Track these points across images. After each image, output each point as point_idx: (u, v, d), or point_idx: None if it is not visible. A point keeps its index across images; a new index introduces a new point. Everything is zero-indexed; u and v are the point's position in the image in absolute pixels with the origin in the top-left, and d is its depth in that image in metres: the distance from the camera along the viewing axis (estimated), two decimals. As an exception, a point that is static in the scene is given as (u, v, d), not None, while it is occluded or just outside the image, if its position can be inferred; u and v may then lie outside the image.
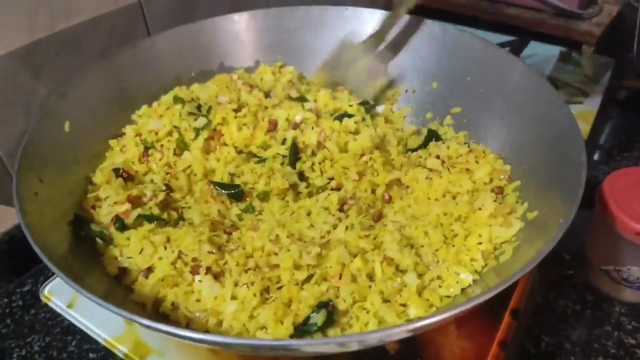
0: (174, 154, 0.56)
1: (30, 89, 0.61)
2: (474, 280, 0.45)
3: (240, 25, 0.68)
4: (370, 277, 0.44)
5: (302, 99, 0.61)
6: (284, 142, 0.57)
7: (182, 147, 0.57)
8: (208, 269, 0.45)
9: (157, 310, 0.44)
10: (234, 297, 0.43)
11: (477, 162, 0.54)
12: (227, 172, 0.56)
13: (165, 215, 0.51)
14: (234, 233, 0.50)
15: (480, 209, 0.49)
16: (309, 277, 0.44)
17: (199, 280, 0.44)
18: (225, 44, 0.67)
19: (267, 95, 0.62)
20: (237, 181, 0.55)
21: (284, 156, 0.56)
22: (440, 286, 0.45)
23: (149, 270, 0.46)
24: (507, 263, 0.44)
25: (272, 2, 0.87)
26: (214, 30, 0.67)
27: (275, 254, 0.46)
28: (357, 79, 0.66)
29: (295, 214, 0.53)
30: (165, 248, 0.47)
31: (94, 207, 0.51)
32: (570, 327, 0.53)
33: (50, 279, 0.53)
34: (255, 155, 0.57)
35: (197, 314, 0.43)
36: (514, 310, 0.48)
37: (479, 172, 0.53)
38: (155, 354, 0.46)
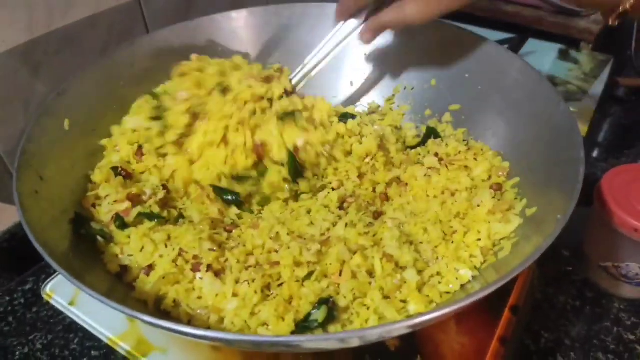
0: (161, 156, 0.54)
1: (29, 86, 0.61)
2: (473, 277, 0.45)
3: (239, 23, 0.67)
4: (370, 273, 0.45)
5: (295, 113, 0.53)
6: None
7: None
8: (209, 267, 0.45)
9: (158, 308, 0.44)
10: (235, 294, 0.43)
11: (475, 159, 0.55)
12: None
13: (165, 214, 0.51)
14: (234, 231, 0.50)
15: (479, 205, 0.49)
16: (310, 274, 0.44)
17: (200, 278, 0.44)
18: (223, 42, 0.67)
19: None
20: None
21: (282, 164, 0.52)
22: (439, 282, 0.45)
23: (150, 268, 0.46)
24: (506, 259, 0.44)
25: (271, 0, 0.86)
26: (213, 27, 0.66)
27: (276, 251, 0.47)
28: None
29: (295, 212, 0.53)
30: (166, 246, 0.47)
31: (94, 206, 0.50)
32: (569, 323, 0.53)
33: (52, 277, 0.53)
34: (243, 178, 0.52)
35: (198, 311, 0.43)
36: (514, 307, 0.48)
37: (477, 169, 0.53)
38: (158, 351, 0.46)
